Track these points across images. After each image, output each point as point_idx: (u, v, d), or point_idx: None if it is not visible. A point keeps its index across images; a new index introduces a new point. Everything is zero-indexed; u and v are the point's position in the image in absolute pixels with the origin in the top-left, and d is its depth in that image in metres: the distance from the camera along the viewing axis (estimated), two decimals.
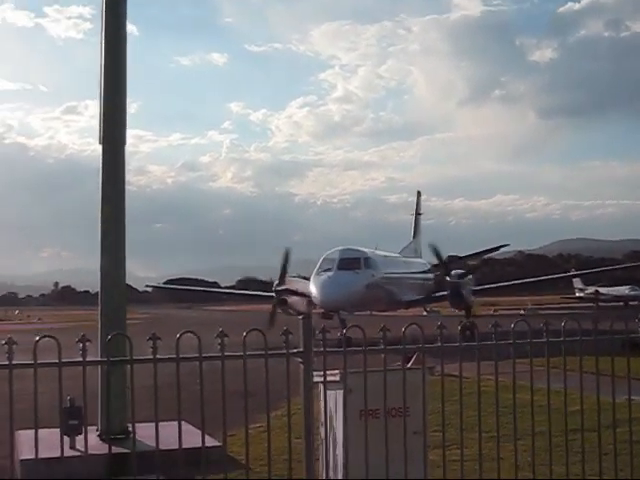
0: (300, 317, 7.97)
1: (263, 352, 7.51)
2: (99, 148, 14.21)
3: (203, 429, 7.52)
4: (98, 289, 14.15)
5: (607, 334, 8.72)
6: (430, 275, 55.72)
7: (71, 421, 11.26)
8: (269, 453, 7.63)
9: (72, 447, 10.83)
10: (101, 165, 14.09)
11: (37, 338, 6.69)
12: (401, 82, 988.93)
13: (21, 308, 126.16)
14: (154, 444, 7.28)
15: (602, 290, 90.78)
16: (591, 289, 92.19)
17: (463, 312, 45.21)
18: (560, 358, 8.41)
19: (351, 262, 43.12)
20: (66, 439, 10.73)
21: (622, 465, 8.81)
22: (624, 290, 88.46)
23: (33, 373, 6.70)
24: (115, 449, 9.57)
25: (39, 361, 6.71)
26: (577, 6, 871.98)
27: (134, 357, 7.17)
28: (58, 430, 7.63)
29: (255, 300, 59.61)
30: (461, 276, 47.51)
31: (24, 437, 10.56)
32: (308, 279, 44.15)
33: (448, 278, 46.56)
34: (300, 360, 7.78)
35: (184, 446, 7.40)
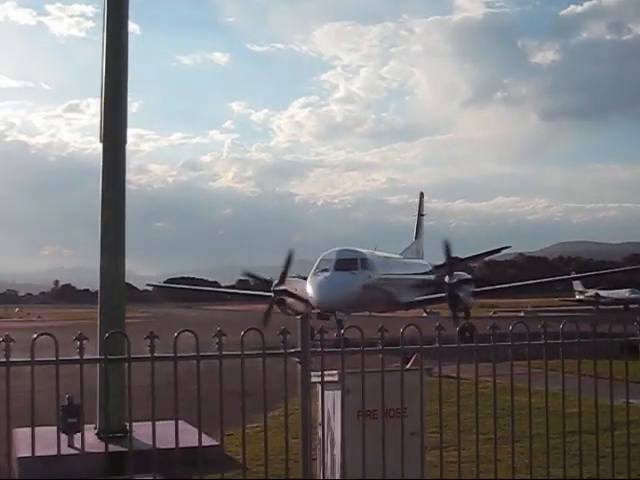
0: (298, 317, 7.99)
1: (260, 352, 7.52)
2: (100, 147, 14.23)
3: (200, 428, 7.52)
4: (98, 288, 14.17)
5: (606, 337, 8.73)
6: (431, 276, 55.73)
7: (69, 419, 11.27)
8: (266, 453, 7.64)
9: (70, 445, 10.83)
10: (101, 164, 14.10)
11: (35, 336, 6.71)
12: (403, 83, 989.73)
13: (21, 306, 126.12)
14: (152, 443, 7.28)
15: (602, 293, 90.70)
16: (591, 292, 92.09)
17: (462, 314, 45.19)
18: (558, 361, 8.42)
19: (348, 263, 43.06)
20: (65, 437, 10.77)
21: (619, 468, 8.80)
22: (624, 293, 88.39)
23: (30, 371, 6.72)
24: (113, 447, 9.59)
25: (36, 359, 6.72)
26: (579, 9, 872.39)
27: (132, 355, 7.18)
28: (56, 428, 7.63)
29: (257, 300, 59.51)
30: (460, 278, 47.52)
31: (22, 435, 10.56)
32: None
33: (447, 279, 46.56)
34: (297, 360, 7.79)
35: (182, 445, 7.41)
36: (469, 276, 51.38)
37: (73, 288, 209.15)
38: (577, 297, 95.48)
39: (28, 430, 7.02)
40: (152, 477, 7.28)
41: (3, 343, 6.57)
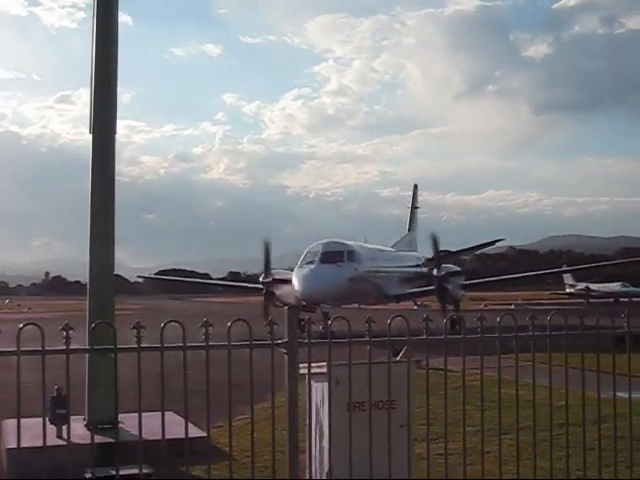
0: (285, 308, 7.98)
1: (247, 342, 7.51)
2: (91, 137, 14.19)
3: (186, 419, 7.52)
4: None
5: (593, 329, 8.74)
6: (423, 269, 55.69)
7: (58, 410, 11.26)
8: (252, 444, 7.64)
9: (59, 436, 10.82)
10: (91, 154, 14.08)
11: (20, 325, 6.69)
12: (395, 76, 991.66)
13: (11, 297, 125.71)
14: (143, 434, 7.27)
15: (593, 286, 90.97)
16: (582, 285, 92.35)
17: (452, 307, 45.26)
18: (547, 354, 8.43)
19: (334, 255, 43.08)
20: (54, 428, 10.77)
21: (607, 460, 8.83)
22: (615, 287, 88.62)
23: (16, 361, 6.70)
24: (101, 439, 9.61)
25: (22, 349, 6.70)
26: (572, 2, 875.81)
27: (119, 346, 7.16)
28: (46, 419, 7.62)
29: (249, 292, 59.53)
30: (448, 271, 47.56)
31: (11, 426, 10.55)
32: None
33: (435, 272, 46.62)
34: (284, 351, 7.79)
35: (170, 436, 7.40)
36: (458, 269, 51.47)
37: (64, 280, 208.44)
38: (568, 290, 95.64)
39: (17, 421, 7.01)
40: (138, 469, 7.28)
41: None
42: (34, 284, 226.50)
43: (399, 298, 51.82)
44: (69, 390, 7.41)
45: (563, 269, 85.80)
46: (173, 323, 7.16)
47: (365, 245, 51.08)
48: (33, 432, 7.30)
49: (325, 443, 8.76)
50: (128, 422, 11.12)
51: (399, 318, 7.90)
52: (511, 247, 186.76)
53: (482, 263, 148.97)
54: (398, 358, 9.81)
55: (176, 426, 7.91)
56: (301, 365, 8.07)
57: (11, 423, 9.53)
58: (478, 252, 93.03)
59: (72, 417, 11.55)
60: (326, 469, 8.75)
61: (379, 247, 55.20)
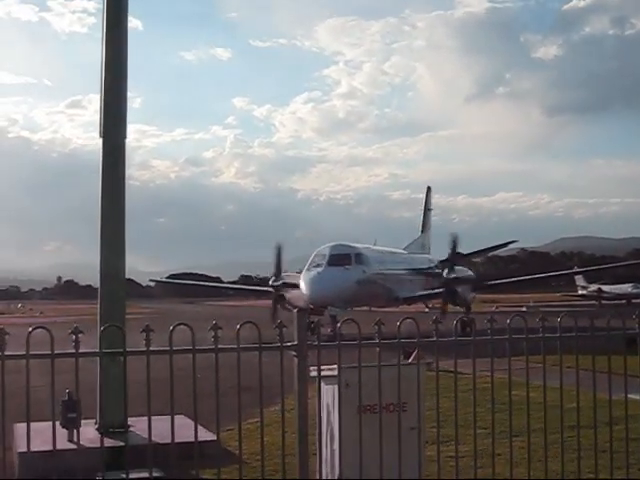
0: (295, 311, 7.99)
1: (256, 345, 7.51)
2: (101, 142, 14.23)
3: (196, 423, 7.53)
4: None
5: (604, 331, 8.71)
6: (435, 271, 55.47)
7: (69, 414, 11.29)
8: (262, 447, 7.65)
9: (70, 440, 10.84)
10: (101, 159, 14.12)
11: (30, 329, 6.71)
12: (405, 79, 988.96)
13: (24, 302, 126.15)
14: (154, 438, 7.28)
15: (605, 288, 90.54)
16: (594, 287, 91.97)
17: (463, 309, 45.20)
18: (558, 356, 8.40)
19: (341, 258, 43.06)
20: (65, 432, 10.80)
21: (618, 463, 8.79)
22: (627, 288, 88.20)
23: (25, 364, 6.72)
24: (112, 442, 9.62)
25: (32, 352, 6.72)
26: (582, 3, 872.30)
27: (129, 349, 7.17)
28: (57, 423, 7.64)
29: (261, 295, 59.58)
30: (458, 273, 47.42)
31: (22, 430, 10.57)
32: None
33: (444, 274, 46.55)
34: (294, 354, 7.79)
35: (180, 440, 7.41)
36: (469, 271, 51.31)
37: (76, 284, 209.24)
38: (580, 292, 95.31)
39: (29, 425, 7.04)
40: (148, 472, 7.29)
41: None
42: (46, 288, 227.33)
43: (409, 301, 51.60)
44: (79, 394, 7.43)
45: (574, 271, 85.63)
46: (182, 326, 7.17)
47: (374, 247, 51.00)
48: (45, 436, 7.32)
49: (336, 446, 8.75)
50: (139, 426, 11.14)
51: (409, 320, 7.90)
52: (522, 249, 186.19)
53: (493, 265, 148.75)
54: (409, 361, 9.79)
55: (186, 429, 7.92)
56: (312, 368, 8.07)
57: (22, 427, 9.54)
58: (489, 254, 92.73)
59: (84, 421, 11.65)
60: (337, 472, 8.74)
61: (389, 249, 55.08)
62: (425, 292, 52.16)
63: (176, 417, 7.48)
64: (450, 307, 46.25)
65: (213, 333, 7.29)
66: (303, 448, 7.79)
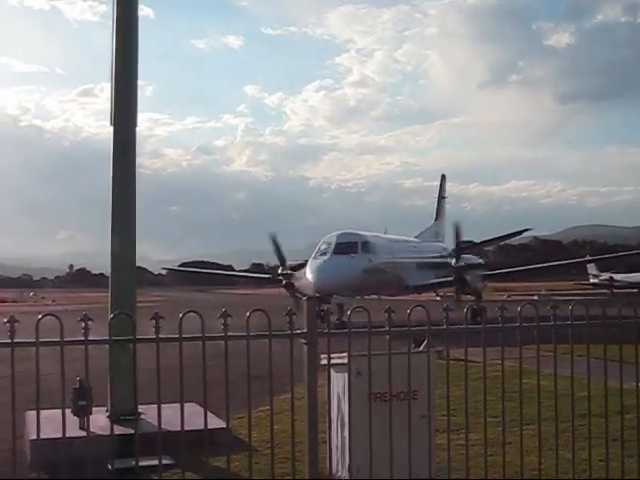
0: (304, 298, 7.98)
1: (266, 333, 7.51)
2: (112, 130, 14.23)
3: (205, 410, 7.54)
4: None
5: (616, 319, 8.67)
6: (447, 260, 55.23)
7: (80, 402, 11.33)
8: (272, 435, 7.65)
9: (82, 428, 10.88)
10: (112, 146, 14.11)
11: (39, 317, 6.72)
12: (417, 66, 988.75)
13: (36, 290, 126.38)
14: (164, 425, 7.30)
15: (617, 276, 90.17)
16: (605, 275, 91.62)
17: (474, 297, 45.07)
18: (569, 345, 8.36)
19: (348, 246, 42.97)
20: (76, 420, 10.83)
21: (629, 451, 8.77)
22: (639, 276, 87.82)
23: (35, 352, 6.73)
24: (122, 430, 9.64)
25: (41, 339, 6.73)
26: None
27: (139, 337, 7.18)
28: (69, 410, 7.66)
29: (272, 284, 59.55)
30: (467, 261, 47.30)
31: (34, 418, 10.61)
32: None
33: (453, 263, 46.43)
34: (304, 341, 7.78)
35: (190, 428, 7.42)
36: (479, 260, 51.14)
37: (88, 272, 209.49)
38: (592, 281, 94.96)
39: (40, 412, 7.06)
40: (158, 459, 7.30)
41: (8, 324, 6.59)
42: (58, 277, 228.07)
43: (419, 289, 51.47)
44: (91, 382, 7.45)
45: (586, 259, 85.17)
46: (193, 314, 7.17)
47: (383, 236, 50.81)
48: (56, 423, 7.33)
49: (346, 434, 8.77)
50: (149, 413, 11.16)
51: (419, 308, 7.88)
52: (535, 238, 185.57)
53: (505, 254, 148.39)
54: (421, 348, 9.77)
55: (197, 417, 7.93)
56: (322, 356, 8.06)
57: (33, 414, 9.59)
58: (501, 243, 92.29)
59: (95, 408, 11.68)
60: (347, 460, 8.75)
61: (399, 237, 54.90)
62: (435, 281, 51.94)
63: (187, 405, 7.50)
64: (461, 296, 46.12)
65: (223, 321, 7.28)
66: (313, 436, 7.80)
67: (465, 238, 48.69)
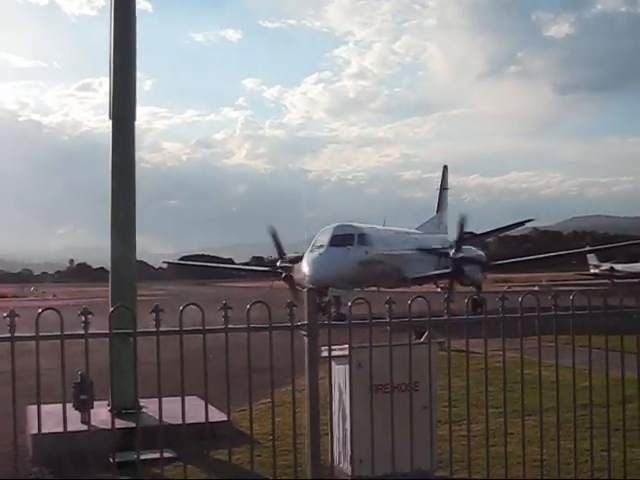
0: (305, 290, 7.97)
1: (267, 325, 7.50)
2: (111, 124, 14.21)
3: (206, 403, 7.54)
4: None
5: (617, 309, 8.67)
6: (445, 251, 55.11)
7: (81, 396, 11.34)
8: (273, 428, 7.66)
9: (84, 422, 10.88)
10: (111, 141, 14.09)
11: (39, 310, 6.71)
12: (416, 58, 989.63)
13: (36, 285, 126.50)
14: (166, 419, 7.30)
15: (617, 266, 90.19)
16: (606, 266, 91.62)
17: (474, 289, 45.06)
18: (570, 336, 8.36)
19: (344, 239, 42.99)
20: (77, 414, 10.85)
21: (631, 441, 8.79)
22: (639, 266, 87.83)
23: (35, 346, 6.72)
24: (124, 424, 9.65)
25: (41, 333, 6.72)
26: None
27: (137, 330, 7.18)
28: (70, 405, 7.66)
29: (272, 277, 59.58)
30: (466, 253, 47.25)
31: (35, 412, 10.62)
32: None
33: (451, 254, 46.43)
34: (305, 333, 7.77)
35: (192, 421, 7.42)
36: (478, 251, 51.08)
37: (88, 267, 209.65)
38: (592, 271, 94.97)
39: (42, 407, 7.06)
40: (160, 453, 7.30)
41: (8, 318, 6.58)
42: (58, 271, 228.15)
43: (418, 281, 51.37)
44: (93, 376, 7.44)
45: (587, 249, 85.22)
46: (193, 307, 7.16)
47: (380, 228, 50.76)
48: (57, 418, 7.33)
49: (347, 426, 8.76)
50: (151, 407, 11.17)
51: (420, 299, 7.87)
52: (535, 229, 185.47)
53: (505, 245, 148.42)
54: (422, 340, 9.76)
55: (198, 410, 7.93)
56: (323, 348, 8.06)
57: (35, 409, 9.60)
58: (502, 234, 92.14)
59: (97, 402, 11.70)
60: (349, 452, 8.75)
61: (399, 229, 54.85)
62: (433, 272, 51.83)
63: (188, 398, 7.49)
64: (462, 287, 46.14)
65: (223, 313, 7.28)
66: (314, 428, 7.80)
67: (465, 229, 48.62)
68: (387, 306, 7.82)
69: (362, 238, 44.15)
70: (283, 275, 47.64)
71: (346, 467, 8.90)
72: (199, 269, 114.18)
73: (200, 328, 7.25)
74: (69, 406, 9.47)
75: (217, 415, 10.45)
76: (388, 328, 8.05)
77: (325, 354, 8.13)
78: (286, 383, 8.50)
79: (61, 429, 7.11)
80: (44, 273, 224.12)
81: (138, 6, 14.54)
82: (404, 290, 45.65)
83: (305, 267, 42.00)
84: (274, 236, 48.33)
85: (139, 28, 14.34)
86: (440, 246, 55.53)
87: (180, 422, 7.24)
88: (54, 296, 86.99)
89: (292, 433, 7.73)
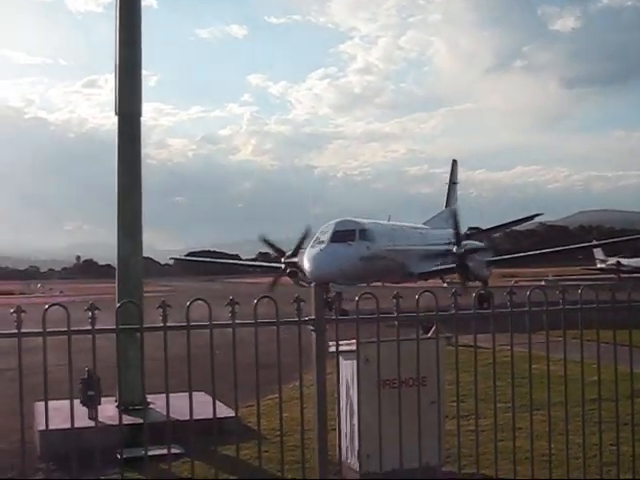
0: (312, 285, 7.95)
1: (274, 320, 7.49)
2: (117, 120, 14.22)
3: (214, 399, 7.52)
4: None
5: (625, 304, 8.63)
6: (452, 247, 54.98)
7: (89, 392, 11.35)
8: (281, 423, 7.64)
9: (91, 418, 10.89)
10: (117, 137, 14.10)
11: (46, 307, 6.70)
12: (422, 53, 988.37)
13: (43, 282, 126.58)
14: (173, 415, 7.29)
15: (624, 261, 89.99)
16: (612, 260, 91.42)
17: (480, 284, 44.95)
18: (578, 331, 8.33)
19: (345, 234, 42.72)
20: (85, 410, 10.86)
21: None
22: None
23: (42, 342, 6.72)
24: (131, 420, 9.65)
25: (48, 329, 6.71)
26: None
27: (144, 325, 7.17)
28: (77, 401, 7.66)
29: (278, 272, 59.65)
30: (469, 248, 47.13)
31: (42, 408, 10.62)
32: None
33: (454, 250, 46.31)
34: (312, 328, 7.75)
35: (200, 417, 7.41)
36: (482, 245, 50.88)
37: (95, 263, 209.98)
38: (599, 266, 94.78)
39: (49, 403, 7.06)
40: (167, 449, 7.30)
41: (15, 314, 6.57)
42: (65, 268, 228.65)
43: (424, 276, 51.19)
44: (101, 372, 7.43)
45: (593, 244, 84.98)
46: (200, 302, 7.14)
47: (384, 223, 50.58)
48: (65, 414, 7.33)
49: (355, 421, 8.76)
50: (158, 403, 11.18)
51: (427, 293, 7.84)
52: (541, 223, 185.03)
53: (512, 240, 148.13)
54: (429, 335, 9.74)
55: (206, 406, 7.92)
56: (331, 343, 8.04)
57: (42, 405, 9.61)
58: (508, 229, 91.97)
59: (104, 398, 11.70)
60: (356, 447, 8.75)
61: (404, 224, 54.66)
62: (437, 268, 51.65)
63: (196, 394, 7.49)
64: (468, 282, 46.02)
65: (230, 309, 7.26)
66: (322, 423, 7.78)
67: (471, 225, 48.56)
68: (394, 301, 7.78)
69: (364, 233, 43.93)
70: (287, 271, 47.57)
71: (354, 462, 8.90)
72: (206, 265, 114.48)
73: (207, 323, 7.23)
74: (76, 402, 9.49)
75: (225, 411, 10.45)
76: (396, 323, 8.03)
77: (333, 349, 8.11)
78: (293, 379, 8.50)
79: (68, 425, 7.11)
80: (51, 270, 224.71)
81: (143, 2, 14.57)
82: (410, 285, 45.58)
83: (306, 263, 41.87)
84: (267, 242, 49.14)
85: (144, 24, 14.36)
86: (448, 241, 55.34)
87: (188, 418, 7.23)
88: (61, 292, 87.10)
89: (300, 429, 7.71)
